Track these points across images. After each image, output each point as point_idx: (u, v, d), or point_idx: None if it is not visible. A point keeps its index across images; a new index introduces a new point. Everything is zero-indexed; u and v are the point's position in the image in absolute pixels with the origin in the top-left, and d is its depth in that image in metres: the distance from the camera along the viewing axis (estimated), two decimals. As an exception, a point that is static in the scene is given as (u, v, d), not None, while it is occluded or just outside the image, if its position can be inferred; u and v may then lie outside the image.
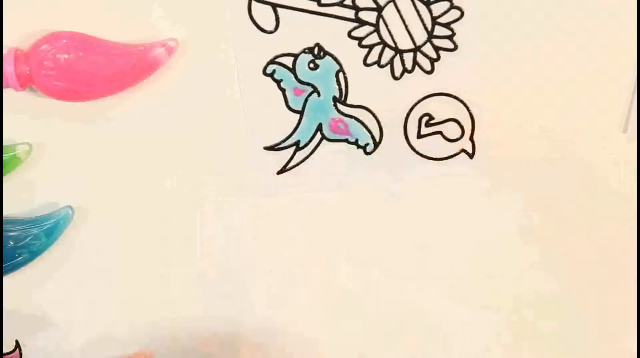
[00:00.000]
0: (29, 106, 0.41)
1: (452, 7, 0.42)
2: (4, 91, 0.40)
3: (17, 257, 0.40)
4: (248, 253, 0.44)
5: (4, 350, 0.42)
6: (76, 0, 0.41)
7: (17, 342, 0.43)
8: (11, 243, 0.40)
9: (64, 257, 0.42)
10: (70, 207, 0.42)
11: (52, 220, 0.41)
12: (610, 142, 0.44)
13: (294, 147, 0.43)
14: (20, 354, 0.43)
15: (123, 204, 0.43)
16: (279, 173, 0.43)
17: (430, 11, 0.42)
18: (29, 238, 0.40)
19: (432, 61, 0.43)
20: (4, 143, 0.41)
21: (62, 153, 0.42)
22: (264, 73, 0.42)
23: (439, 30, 0.42)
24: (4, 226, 0.40)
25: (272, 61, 0.42)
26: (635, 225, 0.44)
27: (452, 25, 0.42)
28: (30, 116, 0.41)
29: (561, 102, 0.43)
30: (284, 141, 0.43)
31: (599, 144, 0.44)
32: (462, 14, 0.42)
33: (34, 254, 0.41)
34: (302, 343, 0.45)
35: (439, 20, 0.42)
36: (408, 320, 0.45)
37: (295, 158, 0.43)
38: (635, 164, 0.44)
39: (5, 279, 0.41)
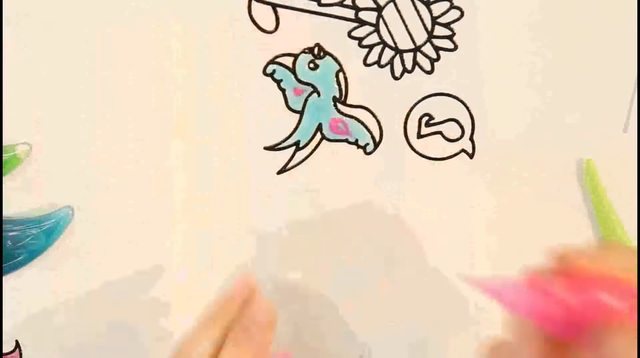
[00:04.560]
0: (29, 106, 0.41)
1: (452, 7, 0.42)
2: (4, 91, 0.40)
3: (17, 257, 0.40)
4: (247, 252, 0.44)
5: (4, 350, 0.42)
6: (76, 1, 0.41)
7: (17, 342, 0.43)
8: (11, 243, 0.40)
9: (64, 257, 0.42)
10: (70, 207, 0.42)
11: (52, 220, 0.41)
12: (610, 142, 0.44)
13: (294, 147, 0.43)
14: (20, 354, 0.43)
15: (123, 205, 0.43)
16: (279, 173, 0.43)
17: (430, 11, 0.42)
18: (29, 238, 0.40)
19: (432, 61, 0.43)
20: (4, 143, 0.41)
21: (62, 153, 0.42)
22: (264, 73, 0.42)
23: (439, 30, 0.42)
24: (4, 226, 0.40)
25: (272, 61, 0.42)
26: (636, 225, 0.44)
27: (452, 25, 0.42)
28: (30, 116, 0.41)
29: (561, 102, 0.43)
30: (284, 141, 0.43)
31: (599, 144, 0.44)
32: (462, 14, 0.42)
33: (34, 254, 0.41)
34: (303, 341, 0.45)
35: (439, 20, 0.42)
36: (408, 318, 0.45)
37: (295, 158, 0.43)
38: (635, 164, 0.44)
39: (5, 279, 0.41)
